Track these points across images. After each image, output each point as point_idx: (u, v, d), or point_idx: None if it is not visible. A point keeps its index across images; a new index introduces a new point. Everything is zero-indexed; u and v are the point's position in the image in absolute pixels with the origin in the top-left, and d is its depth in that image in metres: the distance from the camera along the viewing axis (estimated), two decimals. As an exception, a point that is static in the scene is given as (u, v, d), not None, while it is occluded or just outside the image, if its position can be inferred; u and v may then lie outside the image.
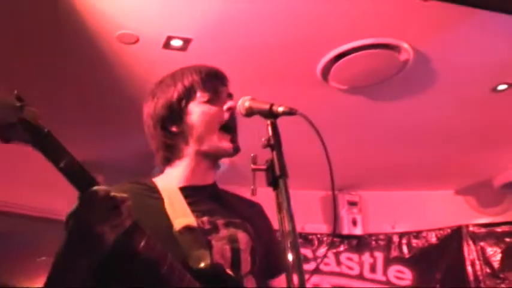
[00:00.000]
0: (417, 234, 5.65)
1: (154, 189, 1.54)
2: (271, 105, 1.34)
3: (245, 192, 1.56)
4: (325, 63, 3.31)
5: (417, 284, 5.38)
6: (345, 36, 3.14)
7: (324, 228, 5.45)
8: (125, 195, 1.26)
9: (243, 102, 1.41)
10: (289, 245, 1.19)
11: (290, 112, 1.35)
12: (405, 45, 3.19)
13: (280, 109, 1.33)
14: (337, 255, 5.38)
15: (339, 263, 5.35)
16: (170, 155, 1.59)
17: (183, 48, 3.05)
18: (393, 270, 5.45)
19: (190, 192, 1.54)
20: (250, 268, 1.51)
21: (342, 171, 5.02)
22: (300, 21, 3.00)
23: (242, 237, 1.54)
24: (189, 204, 1.51)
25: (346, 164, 4.95)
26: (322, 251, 5.29)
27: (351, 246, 5.45)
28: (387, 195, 5.71)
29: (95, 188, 1.20)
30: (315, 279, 5.17)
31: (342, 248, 5.42)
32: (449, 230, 5.67)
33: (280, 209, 1.26)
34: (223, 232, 1.52)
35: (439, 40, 3.23)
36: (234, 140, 1.57)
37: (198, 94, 1.56)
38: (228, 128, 1.56)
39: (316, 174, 5.07)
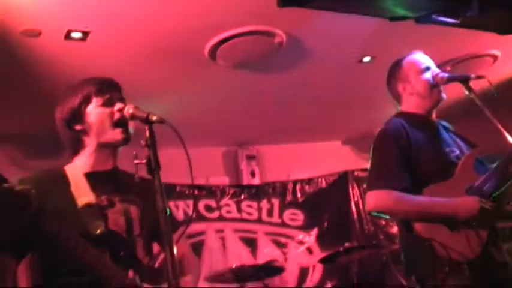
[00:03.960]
0: (309, 181, 6.40)
1: (63, 176, 2.04)
2: (148, 114, 1.85)
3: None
4: (211, 47, 3.82)
5: (307, 223, 6.17)
6: (227, 23, 3.64)
7: (226, 180, 6.09)
8: (27, 187, 1.76)
9: (128, 109, 1.93)
10: (163, 218, 1.73)
11: (161, 121, 1.87)
12: (278, 31, 3.74)
13: (154, 118, 1.84)
14: (238, 203, 6.01)
15: (240, 210, 5.99)
16: (76, 148, 2.10)
17: (83, 39, 3.43)
18: (288, 213, 6.17)
19: (92, 177, 2.04)
20: (139, 232, 2.07)
21: (240, 130, 5.68)
22: (187, 11, 3.44)
23: (133, 210, 2.09)
24: (91, 186, 2.02)
25: (243, 123, 5.58)
26: (224, 200, 5.94)
27: (251, 194, 6.09)
28: (282, 148, 6.35)
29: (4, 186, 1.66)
30: (219, 225, 5.82)
31: (242, 197, 6.06)
32: (336, 176, 6.49)
33: (156, 192, 1.75)
34: (119, 207, 2.06)
35: (308, 22, 3.78)
36: (124, 132, 2.08)
37: (94, 100, 2.06)
38: (119, 123, 2.05)
39: (218, 132, 5.69)
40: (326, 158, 6.51)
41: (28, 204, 1.75)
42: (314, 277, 5.90)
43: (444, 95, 2.70)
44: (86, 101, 2.06)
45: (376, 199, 2.52)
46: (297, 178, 6.38)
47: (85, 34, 3.38)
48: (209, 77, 4.28)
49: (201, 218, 5.74)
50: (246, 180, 6.02)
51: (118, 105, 2.07)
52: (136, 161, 1.78)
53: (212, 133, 5.69)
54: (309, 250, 6.03)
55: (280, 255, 5.86)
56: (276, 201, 6.18)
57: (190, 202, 5.71)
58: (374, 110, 5.66)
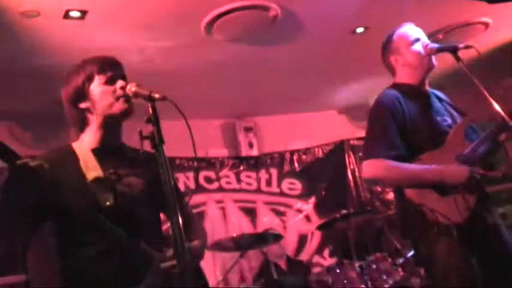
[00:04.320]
0: (306, 151, 6.52)
1: (72, 152, 2.16)
2: (150, 92, 1.94)
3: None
4: (207, 22, 3.88)
5: (305, 192, 6.31)
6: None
7: (224, 152, 6.20)
8: (40, 162, 1.87)
9: (130, 87, 2.03)
10: (168, 189, 1.85)
11: (163, 98, 1.96)
12: (273, 5, 3.81)
13: (157, 95, 1.94)
14: (237, 174, 6.13)
15: (239, 180, 6.11)
16: (82, 125, 2.20)
17: (81, 18, 3.49)
18: (286, 182, 6.30)
19: (99, 152, 2.15)
20: (147, 204, 2.18)
21: (237, 102, 5.76)
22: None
23: (140, 182, 2.21)
24: (99, 161, 2.13)
25: (240, 96, 5.66)
26: (223, 172, 6.06)
27: (249, 165, 6.21)
28: (279, 119, 6.45)
29: (19, 162, 1.77)
30: (219, 196, 5.95)
31: (241, 168, 6.18)
32: (333, 145, 6.61)
33: (161, 165, 1.86)
34: (126, 180, 2.18)
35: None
36: (127, 102, 2.15)
37: (96, 78, 2.16)
38: (121, 98, 2.15)
39: (216, 105, 5.78)
40: (323, 128, 6.62)
41: (42, 178, 1.87)
42: (313, 243, 6.07)
43: (435, 63, 2.79)
44: (89, 79, 2.15)
45: (370, 167, 2.66)
46: (295, 148, 6.49)
47: (83, 13, 3.45)
48: (205, 51, 4.35)
49: (201, 189, 5.86)
50: (245, 151, 6.13)
51: (120, 83, 2.16)
52: (140, 136, 1.86)
53: (210, 106, 5.76)
54: (307, 218, 6.19)
55: (279, 224, 6.01)
56: (274, 172, 6.30)
57: (190, 174, 5.84)
58: (369, 80, 5.75)
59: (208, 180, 5.95)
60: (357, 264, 4.17)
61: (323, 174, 6.43)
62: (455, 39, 5.06)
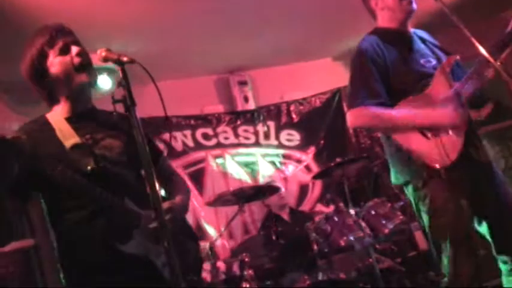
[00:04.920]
0: (302, 101, 6.49)
1: (47, 123, 2.18)
2: (118, 55, 1.94)
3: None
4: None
5: (304, 143, 6.32)
6: None
7: (220, 108, 6.18)
8: (17, 135, 1.90)
9: (100, 53, 2.01)
10: (141, 150, 1.85)
11: (131, 61, 1.96)
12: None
13: (125, 59, 1.94)
14: (234, 129, 6.12)
15: (237, 135, 6.10)
16: (51, 98, 2.22)
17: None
18: (284, 134, 6.30)
19: (73, 120, 2.19)
20: (126, 163, 2.20)
21: (230, 56, 5.70)
22: None
23: (117, 143, 2.23)
24: (74, 128, 2.16)
25: (232, 49, 5.59)
26: (221, 127, 6.06)
27: (246, 119, 6.19)
28: (273, 71, 6.38)
29: None
30: (217, 151, 5.97)
31: (238, 122, 6.17)
32: (329, 93, 6.56)
33: (134, 127, 1.88)
34: (103, 143, 2.20)
35: None
36: (89, 74, 2.18)
37: (50, 52, 2.14)
38: (81, 67, 2.16)
39: (208, 61, 5.72)
40: (318, 76, 6.55)
41: (22, 149, 1.90)
42: (314, 193, 6.12)
43: (414, 6, 2.74)
44: (43, 54, 2.14)
45: (354, 116, 2.66)
46: (291, 99, 6.46)
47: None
48: (186, 6, 4.26)
49: (199, 146, 5.89)
50: (240, 106, 6.11)
51: (75, 49, 2.15)
52: (112, 100, 1.90)
53: (202, 63, 5.72)
54: (307, 168, 6.21)
55: (279, 176, 6.04)
56: (271, 124, 6.29)
57: (188, 132, 5.85)
58: (362, 24, 5.61)
59: (206, 136, 5.96)
60: (352, 211, 4.20)
61: (321, 123, 6.40)
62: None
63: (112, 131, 2.24)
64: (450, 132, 2.53)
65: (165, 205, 2.10)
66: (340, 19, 5.49)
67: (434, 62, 2.74)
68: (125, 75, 1.94)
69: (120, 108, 1.93)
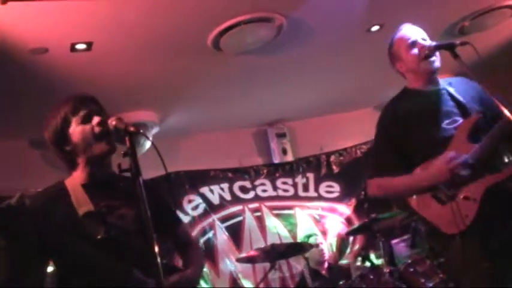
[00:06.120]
0: (343, 152, 6.42)
1: (64, 189, 2.23)
2: (126, 125, 2.00)
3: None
4: (213, 36, 3.89)
5: (344, 194, 6.20)
6: (225, 14, 3.71)
7: (258, 160, 6.19)
8: (20, 198, 1.96)
9: (111, 121, 2.07)
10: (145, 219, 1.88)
11: (138, 132, 2.02)
12: (277, 15, 3.77)
13: (131, 129, 2.00)
14: (272, 181, 6.09)
15: (275, 188, 6.07)
16: (71, 164, 2.28)
17: (88, 49, 3.60)
18: (324, 186, 6.21)
19: (90, 187, 2.21)
20: (137, 231, 2.21)
21: (268, 108, 5.75)
22: (185, 6, 3.52)
23: (131, 212, 2.26)
24: (90, 196, 2.19)
25: (271, 102, 5.65)
26: (259, 180, 6.06)
27: (285, 171, 6.16)
28: (312, 122, 6.38)
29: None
30: (255, 204, 5.95)
31: (276, 175, 6.14)
32: (370, 143, 6.44)
33: (138, 197, 1.90)
34: (117, 212, 2.23)
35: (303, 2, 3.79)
36: (108, 143, 2.22)
37: (73, 120, 2.21)
38: (101, 136, 2.20)
39: (246, 115, 5.79)
40: (358, 127, 6.40)
41: (24, 216, 1.95)
42: (356, 247, 5.96)
43: (436, 64, 2.67)
44: (66, 122, 2.20)
45: (370, 188, 2.68)
46: (330, 150, 6.39)
47: (89, 44, 3.55)
48: (215, 65, 4.37)
49: (237, 199, 5.88)
50: (278, 158, 6.11)
51: (96, 119, 2.22)
52: (118, 170, 1.95)
53: (240, 117, 5.79)
54: (348, 220, 6.07)
55: (318, 229, 5.93)
56: (310, 175, 6.23)
57: (225, 185, 5.87)
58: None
59: (244, 189, 5.96)
60: (387, 270, 4.05)
61: (362, 174, 6.26)
62: (482, 26, 4.84)
63: (128, 199, 2.28)
64: (464, 193, 2.43)
65: (174, 278, 2.11)
66: (380, 68, 5.44)
67: (460, 120, 2.63)
68: (132, 144, 1.99)
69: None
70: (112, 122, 2.06)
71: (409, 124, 2.59)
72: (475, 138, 2.54)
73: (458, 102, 2.70)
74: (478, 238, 2.37)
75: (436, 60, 2.67)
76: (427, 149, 2.55)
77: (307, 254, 4.95)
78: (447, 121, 2.61)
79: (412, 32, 2.73)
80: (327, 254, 5.34)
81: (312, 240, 5.09)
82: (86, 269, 2.08)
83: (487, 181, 2.45)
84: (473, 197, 2.40)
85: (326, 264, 5.12)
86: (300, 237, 5.70)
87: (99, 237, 2.11)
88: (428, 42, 2.68)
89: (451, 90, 2.75)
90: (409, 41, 2.69)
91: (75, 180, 2.25)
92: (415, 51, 2.65)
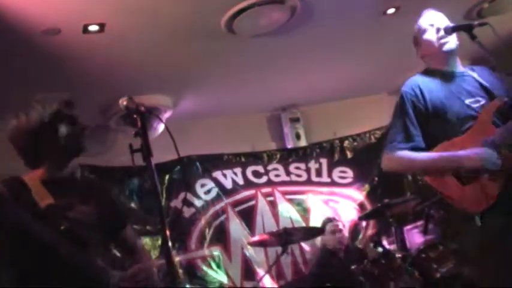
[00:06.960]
0: (356, 137, 6.37)
1: (23, 183, 2.21)
2: (137, 105, 2.00)
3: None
4: (227, 19, 3.86)
5: (358, 180, 6.17)
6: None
7: (272, 145, 6.17)
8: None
9: (122, 102, 2.07)
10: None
11: (149, 112, 2.02)
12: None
13: (142, 109, 2.00)
14: (285, 166, 6.07)
15: (288, 173, 6.05)
16: (34, 161, 2.28)
17: (100, 31, 3.59)
18: (337, 171, 6.18)
19: (48, 183, 2.23)
20: (98, 227, 2.25)
21: (282, 93, 5.71)
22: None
23: (87, 209, 2.28)
24: (50, 191, 2.20)
25: (284, 87, 5.62)
26: (272, 165, 6.04)
27: (298, 156, 6.13)
28: (326, 107, 6.33)
29: None
30: (268, 189, 5.94)
31: (290, 160, 6.11)
32: (384, 129, 6.34)
33: (150, 177, 1.93)
34: (77, 207, 2.25)
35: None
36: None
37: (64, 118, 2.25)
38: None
39: (259, 99, 5.76)
40: (373, 112, 6.38)
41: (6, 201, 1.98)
42: (369, 231, 5.93)
43: (450, 46, 2.64)
44: (58, 117, 2.24)
45: (386, 161, 2.65)
46: (344, 135, 6.35)
47: (102, 26, 3.54)
48: (229, 49, 4.34)
49: (249, 184, 5.88)
50: (292, 143, 6.09)
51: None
52: (131, 150, 1.94)
53: (253, 100, 5.76)
54: (361, 206, 6.04)
55: (331, 214, 5.90)
56: (324, 161, 6.20)
57: (238, 170, 5.87)
58: (417, 59, 5.45)
59: (257, 174, 5.95)
60: (399, 255, 4.03)
61: (375, 160, 6.21)
62: (500, 9, 4.75)
63: (84, 196, 2.30)
64: (487, 176, 2.40)
65: (132, 269, 2.16)
66: (395, 52, 5.38)
67: (483, 101, 2.60)
68: (143, 124, 1.98)
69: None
70: (123, 102, 2.06)
71: (434, 104, 2.57)
72: (498, 123, 2.51)
73: (481, 84, 2.68)
74: (500, 219, 2.35)
75: (452, 40, 2.65)
76: (449, 129, 2.53)
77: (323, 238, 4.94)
78: (470, 100, 2.59)
79: (430, 16, 2.73)
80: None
81: (329, 227, 5.02)
82: (53, 257, 2.08)
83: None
84: (497, 178, 2.38)
85: (343, 247, 5.08)
86: (317, 223, 5.64)
87: (62, 227, 2.13)
88: (445, 23, 2.66)
89: (474, 74, 2.73)
90: (426, 25, 2.69)
91: (34, 176, 2.27)
92: (430, 35, 2.66)
